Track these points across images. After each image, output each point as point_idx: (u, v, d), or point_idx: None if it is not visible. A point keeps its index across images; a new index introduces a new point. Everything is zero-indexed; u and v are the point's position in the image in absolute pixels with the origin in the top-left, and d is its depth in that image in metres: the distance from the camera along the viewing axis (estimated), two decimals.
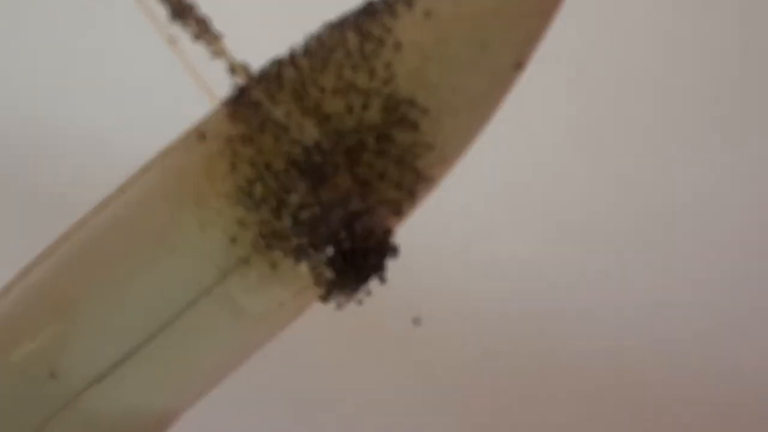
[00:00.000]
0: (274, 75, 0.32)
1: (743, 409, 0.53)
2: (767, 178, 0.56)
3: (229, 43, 0.33)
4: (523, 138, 0.53)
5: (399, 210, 0.32)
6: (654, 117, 0.57)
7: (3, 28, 0.57)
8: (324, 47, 0.32)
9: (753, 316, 0.54)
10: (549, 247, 0.54)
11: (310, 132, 0.31)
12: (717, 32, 0.58)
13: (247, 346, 0.34)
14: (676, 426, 0.54)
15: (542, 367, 0.53)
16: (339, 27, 0.32)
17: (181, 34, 0.33)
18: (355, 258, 0.31)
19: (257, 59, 0.33)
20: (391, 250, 0.32)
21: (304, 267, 0.31)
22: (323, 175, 0.31)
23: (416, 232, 0.33)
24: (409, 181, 0.32)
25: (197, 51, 0.33)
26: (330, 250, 0.31)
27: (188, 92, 0.33)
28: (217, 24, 0.33)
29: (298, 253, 0.31)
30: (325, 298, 0.32)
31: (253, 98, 0.32)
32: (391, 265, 0.32)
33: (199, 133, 0.33)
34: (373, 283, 0.32)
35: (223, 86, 0.33)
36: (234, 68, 0.33)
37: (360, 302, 0.32)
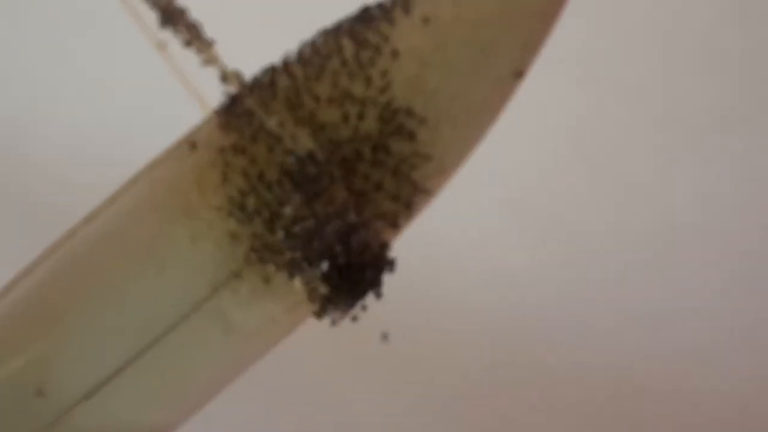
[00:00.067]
0: (267, 83, 0.31)
1: (745, 420, 0.53)
2: None
3: (221, 49, 0.32)
4: (521, 145, 0.52)
5: (395, 223, 0.31)
6: (654, 124, 0.56)
7: None
8: (319, 55, 0.31)
9: (757, 326, 0.53)
10: (548, 257, 0.53)
11: (304, 142, 0.31)
12: (719, 35, 0.57)
13: (239, 361, 0.33)
14: None
15: (542, 378, 0.52)
16: (334, 34, 0.32)
17: (172, 41, 0.33)
18: (350, 273, 0.30)
19: (250, 67, 0.32)
20: (387, 265, 0.31)
21: (297, 282, 0.31)
22: (318, 187, 0.30)
23: (412, 243, 0.33)
24: (406, 193, 0.31)
25: (189, 57, 0.32)
26: (325, 265, 0.30)
27: (179, 101, 0.32)
28: (209, 30, 0.32)
29: (292, 268, 0.30)
30: (319, 314, 0.31)
31: (246, 107, 0.31)
32: (388, 278, 0.31)
33: (190, 143, 0.32)
34: (369, 298, 0.31)
35: (215, 95, 0.32)
36: (226, 76, 0.32)
37: (355, 319, 0.31)
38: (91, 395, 0.31)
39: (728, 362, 0.53)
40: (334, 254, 0.30)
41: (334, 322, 0.31)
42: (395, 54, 0.31)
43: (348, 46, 0.31)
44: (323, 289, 0.30)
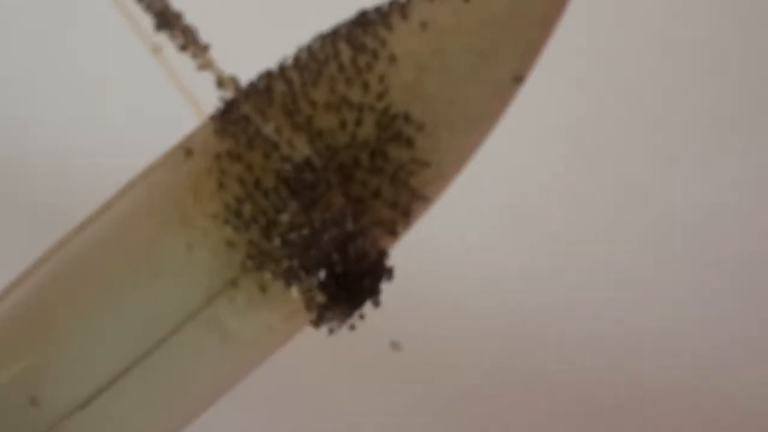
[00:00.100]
0: (263, 89, 0.31)
1: (746, 424, 0.53)
2: None
3: (217, 54, 0.32)
4: (519, 149, 0.52)
5: (393, 230, 0.31)
6: (654, 124, 0.56)
7: None
8: (316, 60, 0.31)
9: (758, 327, 0.53)
10: (547, 262, 0.53)
11: (301, 148, 0.30)
12: (719, 36, 0.57)
13: (236, 370, 0.32)
14: None
15: (542, 384, 0.52)
16: (331, 38, 0.31)
17: (168, 45, 0.32)
18: (348, 282, 0.30)
19: (246, 72, 0.32)
20: (385, 273, 0.31)
21: (295, 290, 0.30)
22: (315, 194, 0.30)
23: (410, 250, 0.32)
24: (404, 200, 0.31)
25: (184, 62, 0.32)
26: (322, 273, 0.30)
27: (175, 106, 0.31)
28: (204, 35, 0.32)
29: (289, 276, 0.30)
30: (317, 323, 0.30)
31: (242, 113, 0.31)
32: (386, 285, 0.31)
33: (185, 150, 0.32)
34: (367, 307, 0.31)
35: (211, 100, 0.32)
36: (222, 81, 0.32)
37: (353, 327, 0.30)
38: (85, 405, 0.31)
39: (730, 366, 0.53)
40: (331, 262, 0.30)
41: (331, 331, 0.31)
42: (393, 59, 0.30)
43: (345, 51, 0.31)
44: (320, 298, 0.30)
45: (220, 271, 0.31)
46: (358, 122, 0.30)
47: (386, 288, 0.31)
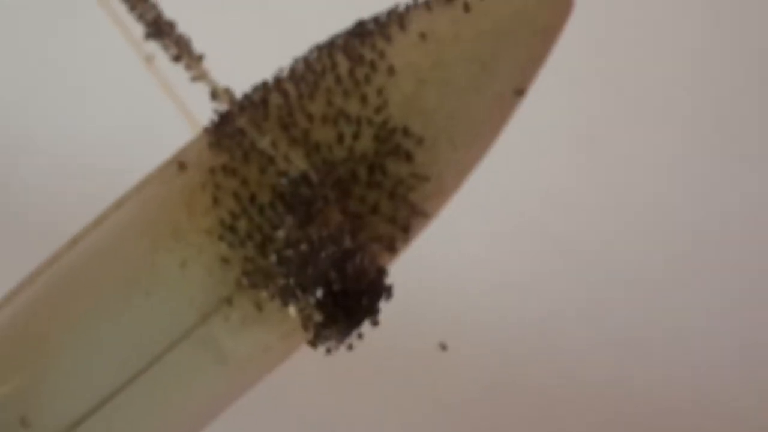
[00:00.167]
0: (259, 101, 0.30)
1: None
2: None
3: (211, 65, 0.31)
4: (523, 159, 0.52)
5: (392, 246, 0.30)
6: (661, 137, 0.55)
7: None
8: (312, 71, 0.30)
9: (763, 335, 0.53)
10: (545, 277, 0.52)
11: (297, 163, 0.29)
12: (718, 36, 0.56)
13: (232, 389, 0.32)
14: None
15: (544, 397, 0.51)
16: (328, 49, 0.31)
17: (161, 55, 0.32)
18: (346, 300, 0.29)
19: (241, 83, 0.31)
20: (384, 291, 0.30)
21: (291, 309, 0.29)
22: (312, 210, 0.29)
23: (409, 265, 0.32)
24: (403, 216, 0.30)
25: (178, 72, 0.31)
26: (319, 292, 0.29)
27: (169, 119, 0.31)
28: (198, 45, 0.31)
29: (285, 294, 0.29)
30: (314, 343, 0.30)
31: (237, 126, 0.30)
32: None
33: (179, 163, 0.31)
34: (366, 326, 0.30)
35: (206, 111, 0.31)
36: (216, 93, 0.31)
37: (351, 347, 0.30)
38: (77, 425, 0.30)
39: (735, 376, 0.52)
40: (329, 280, 0.29)
41: (329, 351, 0.30)
42: (392, 71, 0.30)
43: (343, 62, 0.30)
44: (318, 317, 0.29)
45: (215, 288, 0.30)
46: (356, 136, 0.29)
47: (385, 303, 0.30)
